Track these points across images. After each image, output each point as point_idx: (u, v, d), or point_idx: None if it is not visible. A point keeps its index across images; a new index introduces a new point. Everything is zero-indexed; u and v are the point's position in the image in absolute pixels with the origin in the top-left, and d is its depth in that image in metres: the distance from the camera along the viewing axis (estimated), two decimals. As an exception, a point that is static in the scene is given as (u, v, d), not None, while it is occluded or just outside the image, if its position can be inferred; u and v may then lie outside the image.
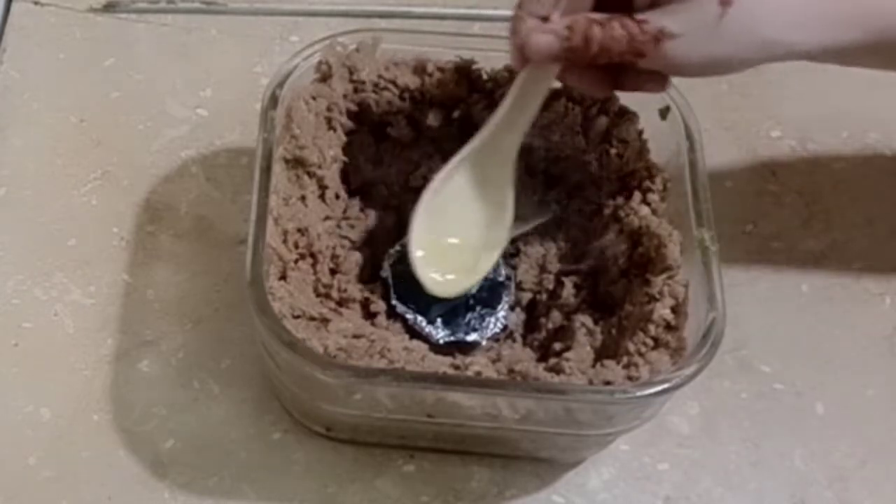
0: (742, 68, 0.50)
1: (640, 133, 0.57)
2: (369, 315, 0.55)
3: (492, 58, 0.57)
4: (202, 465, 0.54)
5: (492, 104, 0.56)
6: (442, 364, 0.51)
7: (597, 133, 0.57)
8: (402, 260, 0.57)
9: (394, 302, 0.56)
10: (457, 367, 0.51)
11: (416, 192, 0.58)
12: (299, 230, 0.54)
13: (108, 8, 0.71)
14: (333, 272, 0.56)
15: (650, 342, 0.51)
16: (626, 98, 0.57)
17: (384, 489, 0.54)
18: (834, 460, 0.57)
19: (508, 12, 0.50)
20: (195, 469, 0.54)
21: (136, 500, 0.53)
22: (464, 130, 0.58)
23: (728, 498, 0.55)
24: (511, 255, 0.58)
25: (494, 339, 0.56)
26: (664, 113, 0.56)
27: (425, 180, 0.58)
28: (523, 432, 0.52)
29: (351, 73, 0.57)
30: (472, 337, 0.56)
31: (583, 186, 0.58)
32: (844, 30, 0.50)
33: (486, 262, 0.54)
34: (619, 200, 0.56)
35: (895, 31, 0.50)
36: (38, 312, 0.58)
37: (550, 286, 0.57)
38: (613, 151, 0.56)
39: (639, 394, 0.48)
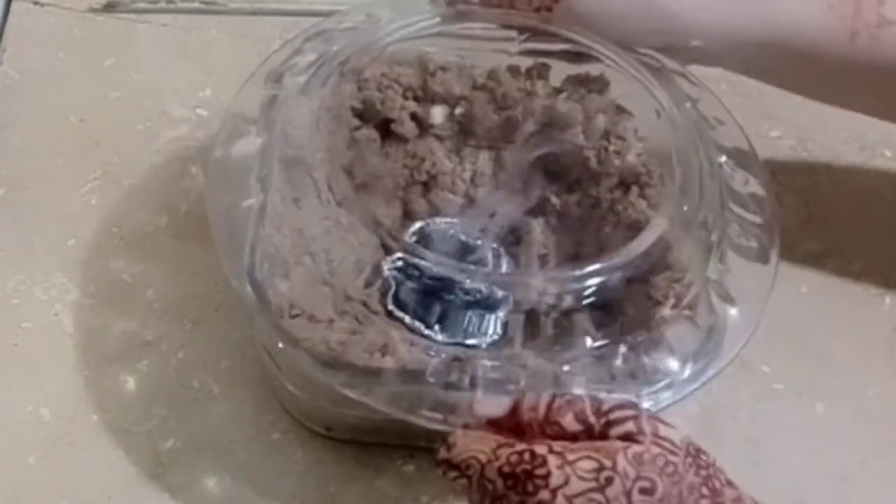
0: (643, 40, 0.54)
1: (636, 131, 0.57)
2: (369, 315, 0.55)
3: (492, 58, 0.57)
4: (202, 465, 0.54)
5: (492, 101, 0.57)
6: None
7: (596, 131, 0.57)
8: (402, 263, 0.57)
9: (390, 307, 0.55)
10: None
11: (419, 188, 0.59)
12: (299, 230, 0.54)
13: (108, 8, 0.71)
14: (333, 272, 0.56)
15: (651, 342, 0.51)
16: (625, 98, 0.57)
17: (384, 489, 0.54)
18: (834, 460, 0.56)
19: (508, 12, 0.50)
20: (195, 469, 0.54)
21: (136, 500, 0.53)
22: (465, 127, 0.58)
23: (728, 498, 0.55)
24: (511, 254, 0.58)
25: (494, 340, 0.56)
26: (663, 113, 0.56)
27: (429, 175, 0.58)
28: (523, 432, 0.52)
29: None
30: (471, 340, 0.55)
31: (581, 182, 0.58)
32: (743, 21, 0.53)
33: None
34: (617, 195, 0.56)
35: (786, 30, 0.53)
36: (38, 312, 0.58)
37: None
38: (612, 148, 0.56)
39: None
